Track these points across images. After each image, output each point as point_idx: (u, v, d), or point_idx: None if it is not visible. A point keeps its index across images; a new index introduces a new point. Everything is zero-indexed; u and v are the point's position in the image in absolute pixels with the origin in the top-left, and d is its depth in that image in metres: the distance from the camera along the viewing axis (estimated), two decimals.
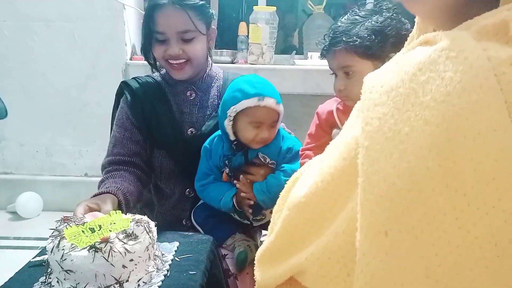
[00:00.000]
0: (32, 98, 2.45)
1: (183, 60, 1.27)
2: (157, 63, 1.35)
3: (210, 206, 1.24)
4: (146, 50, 1.31)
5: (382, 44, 1.02)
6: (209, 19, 1.30)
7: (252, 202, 1.18)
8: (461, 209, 0.47)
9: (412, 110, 0.50)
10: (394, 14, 1.05)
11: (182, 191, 1.35)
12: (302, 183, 0.69)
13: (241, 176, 1.19)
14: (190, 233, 1.12)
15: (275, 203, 1.12)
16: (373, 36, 1.02)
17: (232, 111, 1.15)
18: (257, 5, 2.55)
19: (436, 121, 0.48)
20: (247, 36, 2.42)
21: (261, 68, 2.27)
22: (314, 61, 2.36)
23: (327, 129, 1.17)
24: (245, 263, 1.19)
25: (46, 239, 2.22)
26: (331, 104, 1.17)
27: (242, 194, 1.18)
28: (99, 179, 2.41)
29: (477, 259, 0.47)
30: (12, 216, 2.45)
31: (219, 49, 2.40)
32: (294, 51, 2.63)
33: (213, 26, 1.34)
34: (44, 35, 2.35)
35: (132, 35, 2.44)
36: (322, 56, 1.15)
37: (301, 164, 1.19)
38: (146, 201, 1.39)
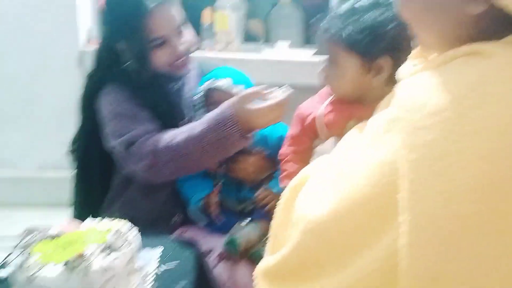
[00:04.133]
0: None
1: (184, 55, 1.18)
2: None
3: None
4: (142, 64, 1.16)
5: (373, 44, 0.95)
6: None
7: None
8: None
9: (463, 141, 0.44)
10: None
11: (175, 182, 1.25)
12: (313, 201, 0.62)
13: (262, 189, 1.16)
14: (173, 237, 1.03)
15: None
16: (365, 34, 0.95)
17: (195, 101, 1.22)
18: None
19: (491, 158, 0.43)
20: (213, 23, 2.32)
21: (229, 58, 2.18)
22: (282, 51, 2.31)
23: (311, 135, 1.09)
24: (235, 250, 1.13)
25: None
26: (315, 107, 1.08)
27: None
28: (53, 175, 2.31)
29: None
30: None
31: None
32: (262, 40, 2.56)
33: None
34: None
35: (87, 19, 2.26)
36: (318, 38, 1.07)
37: (282, 170, 1.12)
38: (129, 199, 1.25)
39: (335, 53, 0.99)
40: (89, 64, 2.11)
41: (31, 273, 0.69)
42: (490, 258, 0.44)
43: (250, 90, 1.06)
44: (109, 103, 1.18)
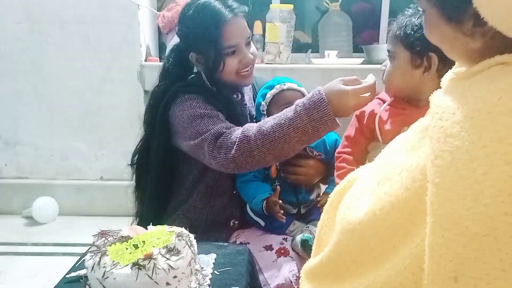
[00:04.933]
0: (47, 101, 2.41)
1: (251, 65, 1.27)
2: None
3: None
4: (214, 71, 1.24)
5: (420, 40, 0.99)
6: None
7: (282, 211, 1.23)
8: None
9: (491, 146, 0.47)
10: None
11: (233, 189, 1.33)
12: (354, 204, 0.66)
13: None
14: (225, 244, 1.09)
15: None
16: (415, 30, 1.00)
17: (264, 106, 1.29)
18: (272, 3, 2.50)
19: None
20: (263, 35, 2.38)
21: (278, 68, 2.23)
22: (332, 60, 2.32)
23: (368, 134, 1.12)
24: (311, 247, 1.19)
25: (64, 245, 2.20)
26: (375, 107, 1.12)
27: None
28: (114, 182, 2.45)
29: None
30: (28, 221, 2.42)
31: None
32: (310, 50, 2.59)
33: None
34: (59, 37, 2.31)
35: (147, 36, 2.41)
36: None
37: (337, 168, 1.16)
38: (191, 207, 1.32)
39: (393, 48, 1.04)
40: (149, 78, 2.28)
41: (104, 272, 0.76)
42: None
43: (345, 77, 1.08)
44: (187, 108, 1.22)
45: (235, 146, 1.09)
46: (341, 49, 2.44)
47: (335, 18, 2.52)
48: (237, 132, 1.12)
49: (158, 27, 2.44)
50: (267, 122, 1.09)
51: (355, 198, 0.66)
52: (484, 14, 0.52)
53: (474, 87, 0.52)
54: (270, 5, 2.33)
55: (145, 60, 2.36)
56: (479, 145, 0.47)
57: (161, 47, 2.54)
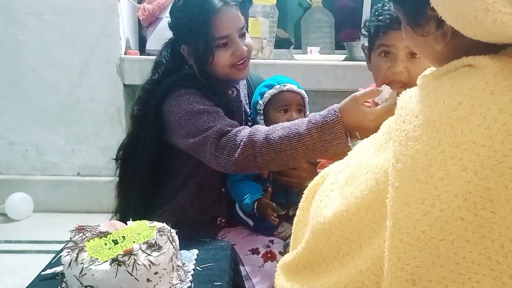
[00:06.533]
0: (22, 95, 2.34)
1: (245, 57, 1.22)
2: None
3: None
4: (205, 64, 1.19)
5: None
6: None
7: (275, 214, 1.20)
8: (496, 260, 0.45)
9: (448, 151, 0.47)
10: None
11: (222, 186, 1.30)
12: (324, 202, 0.66)
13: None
14: (208, 240, 1.07)
15: None
16: None
17: (261, 106, 1.26)
18: None
19: (474, 168, 0.45)
20: (246, 30, 2.36)
21: (261, 63, 2.21)
22: (314, 56, 2.32)
23: None
24: None
25: (39, 242, 2.14)
26: None
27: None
28: (92, 178, 2.40)
29: None
30: (1, 218, 2.34)
31: None
32: (292, 46, 2.58)
33: None
34: (35, 29, 2.24)
35: (127, 29, 2.36)
36: (379, 33, 1.05)
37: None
38: (178, 204, 1.29)
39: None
40: (128, 71, 2.24)
41: (82, 269, 0.73)
42: (471, 262, 0.46)
43: (363, 91, 1.00)
44: (184, 104, 1.17)
45: (238, 149, 1.05)
46: (323, 46, 2.45)
47: (318, 14, 2.52)
48: (242, 133, 1.08)
49: (138, 20, 2.39)
50: (276, 131, 1.05)
51: (325, 196, 0.67)
52: (441, 13, 0.52)
53: (438, 90, 0.52)
54: (254, 0, 2.31)
55: (125, 53, 2.31)
56: (438, 149, 0.47)
57: (141, 40, 2.49)
